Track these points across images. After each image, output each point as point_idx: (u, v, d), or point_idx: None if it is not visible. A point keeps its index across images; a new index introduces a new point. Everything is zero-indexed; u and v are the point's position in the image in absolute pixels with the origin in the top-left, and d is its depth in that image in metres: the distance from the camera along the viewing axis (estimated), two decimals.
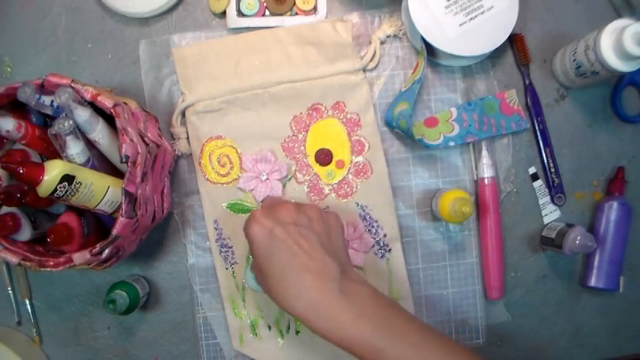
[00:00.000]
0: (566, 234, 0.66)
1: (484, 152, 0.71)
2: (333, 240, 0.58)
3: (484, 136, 0.71)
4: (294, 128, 0.70)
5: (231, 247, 0.70)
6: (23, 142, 0.59)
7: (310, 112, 0.70)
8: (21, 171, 0.54)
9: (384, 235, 0.70)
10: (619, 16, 0.72)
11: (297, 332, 0.71)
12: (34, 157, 0.63)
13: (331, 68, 0.69)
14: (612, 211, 0.70)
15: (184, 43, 0.71)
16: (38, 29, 0.72)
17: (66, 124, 0.56)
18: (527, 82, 0.72)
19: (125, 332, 0.72)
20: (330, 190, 0.70)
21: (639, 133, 0.73)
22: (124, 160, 0.56)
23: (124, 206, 0.56)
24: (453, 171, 0.72)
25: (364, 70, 0.70)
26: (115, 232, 0.56)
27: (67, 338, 0.72)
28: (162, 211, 0.66)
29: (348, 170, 0.70)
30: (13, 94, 0.58)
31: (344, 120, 0.70)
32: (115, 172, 0.62)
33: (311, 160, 0.70)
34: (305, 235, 0.55)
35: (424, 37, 0.66)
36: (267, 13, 0.71)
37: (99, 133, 0.59)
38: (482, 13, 0.65)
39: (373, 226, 0.70)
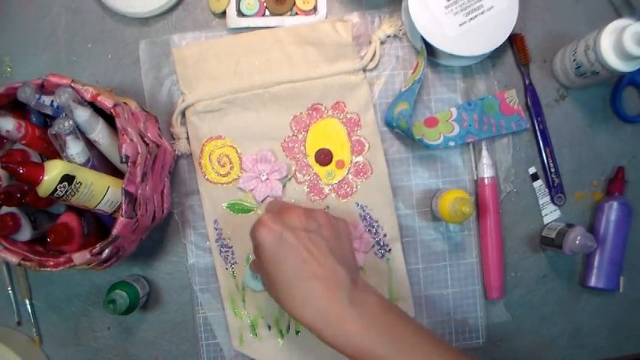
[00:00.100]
0: (566, 234, 0.66)
1: (484, 152, 0.71)
2: (342, 246, 0.57)
3: (484, 136, 0.71)
4: (294, 128, 0.70)
5: (231, 247, 0.70)
6: (23, 142, 0.59)
7: (310, 112, 0.70)
8: (21, 171, 0.54)
9: (384, 235, 0.70)
10: (619, 16, 0.72)
11: (297, 332, 0.71)
12: (34, 157, 0.63)
13: (331, 68, 0.69)
14: (612, 211, 0.70)
15: (184, 43, 0.71)
16: (38, 29, 0.72)
17: (66, 124, 0.56)
18: (527, 82, 0.72)
19: (125, 332, 0.72)
20: (330, 190, 0.70)
21: (639, 133, 0.73)
22: (124, 160, 0.56)
23: (124, 206, 0.56)
24: (453, 171, 0.72)
25: (364, 70, 0.70)
26: (115, 232, 0.56)
27: (67, 338, 0.72)
28: (163, 211, 0.66)
29: (348, 170, 0.70)
30: (13, 94, 0.58)
31: (344, 120, 0.70)
32: (115, 172, 0.62)
33: (311, 160, 0.70)
34: (315, 241, 0.54)
35: (424, 37, 0.66)
36: (267, 13, 0.71)
37: (99, 133, 0.59)
38: (482, 13, 0.65)
39: (373, 226, 0.70)
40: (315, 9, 0.70)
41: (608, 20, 0.63)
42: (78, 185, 0.56)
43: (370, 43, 0.71)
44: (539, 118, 0.72)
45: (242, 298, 0.71)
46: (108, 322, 0.72)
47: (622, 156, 0.73)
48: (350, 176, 0.70)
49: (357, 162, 0.70)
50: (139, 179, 0.58)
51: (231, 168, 0.70)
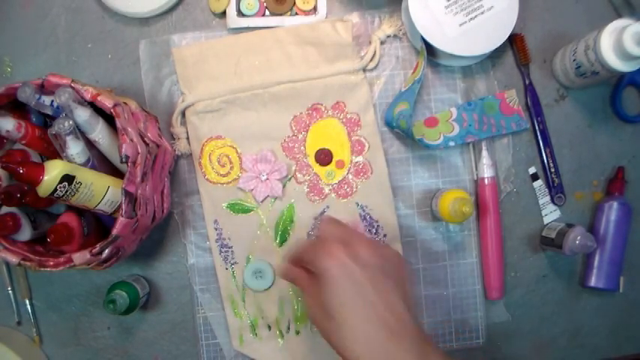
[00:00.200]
0: (566, 234, 0.66)
1: (484, 152, 0.71)
2: (408, 292, 0.53)
3: (484, 136, 0.71)
4: (294, 128, 0.70)
5: (231, 247, 0.70)
6: (23, 142, 0.59)
7: (310, 112, 0.70)
8: (21, 171, 0.54)
9: (384, 235, 0.70)
10: (619, 16, 0.72)
11: (297, 332, 0.71)
12: (34, 157, 0.63)
13: (331, 68, 0.69)
14: (612, 211, 0.70)
15: (184, 43, 0.71)
16: (38, 29, 0.72)
17: (66, 124, 0.56)
18: (527, 82, 0.72)
19: (125, 332, 0.72)
20: (330, 190, 0.70)
21: (639, 133, 0.73)
22: (124, 160, 0.56)
23: (124, 206, 0.56)
24: (453, 171, 0.72)
25: (364, 70, 0.70)
26: (115, 232, 0.56)
27: (67, 338, 0.72)
28: (163, 211, 0.66)
29: (348, 170, 0.70)
30: (13, 94, 0.58)
31: (344, 120, 0.70)
32: (115, 172, 0.62)
33: (311, 160, 0.70)
34: (385, 284, 0.51)
35: (424, 37, 0.66)
36: (267, 13, 0.71)
37: (99, 133, 0.59)
38: (482, 13, 0.65)
39: (373, 226, 0.70)
40: (315, 9, 0.70)
41: (608, 20, 0.63)
42: (78, 185, 0.56)
43: (370, 43, 0.71)
44: (539, 118, 0.72)
45: (242, 298, 0.71)
46: (108, 322, 0.72)
47: (622, 156, 0.73)
48: (350, 176, 0.70)
49: (357, 162, 0.70)
50: (139, 179, 0.58)
51: (231, 168, 0.70)
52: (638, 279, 0.73)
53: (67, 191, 0.56)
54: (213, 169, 0.70)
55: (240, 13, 0.70)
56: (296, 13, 0.71)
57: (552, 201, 0.72)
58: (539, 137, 0.72)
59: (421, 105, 0.72)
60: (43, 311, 0.72)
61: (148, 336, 0.72)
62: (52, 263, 0.58)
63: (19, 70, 0.72)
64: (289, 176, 0.70)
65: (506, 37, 0.66)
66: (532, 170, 0.73)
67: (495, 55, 0.71)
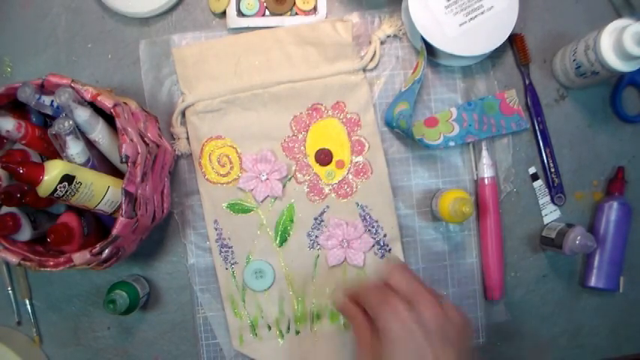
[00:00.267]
0: (566, 234, 0.66)
1: (484, 152, 0.71)
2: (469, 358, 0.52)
3: (484, 136, 0.71)
4: (294, 128, 0.70)
5: (231, 247, 0.70)
6: (23, 142, 0.59)
7: (310, 112, 0.70)
8: (21, 171, 0.54)
9: (384, 235, 0.70)
10: (619, 16, 0.72)
11: (297, 332, 0.71)
12: (34, 157, 0.63)
13: (331, 68, 0.69)
14: (612, 211, 0.70)
15: (184, 43, 0.71)
16: (38, 29, 0.72)
17: (66, 124, 0.56)
18: (527, 82, 0.72)
19: (125, 332, 0.72)
20: (330, 190, 0.70)
21: (639, 133, 0.73)
22: (124, 160, 0.56)
23: (124, 206, 0.56)
24: (453, 171, 0.72)
25: (364, 70, 0.70)
26: (115, 232, 0.56)
27: (67, 338, 0.72)
28: (163, 211, 0.66)
29: (348, 170, 0.70)
30: (13, 94, 0.58)
31: (344, 120, 0.70)
32: (115, 172, 0.62)
33: (311, 160, 0.70)
34: (446, 352, 0.49)
35: (424, 37, 0.66)
36: (267, 13, 0.71)
37: (99, 133, 0.59)
38: (482, 13, 0.65)
39: (373, 226, 0.70)
40: (315, 9, 0.70)
41: (608, 20, 0.63)
42: (78, 185, 0.56)
43: (370, 43, 0.71)
44: (539, 118, 0.72)
45: (242, 298, 0.71)
46: (108, 322, 0.72)
47: (622, 156, 0.73)
48: (350, 176, 0.70)
49: (357, 162, 0.70)
50: (139, 179, 0.58)
51: (231, 168, 0.70)
52: (638, 279, 0.73)
53: (67, 191, 0.56)
54: (213, 169, 0.70)
55: (240, 13, 0.70)
56: (296, 13, 0.71)
57: (552, 201, 0.72)
58: (539, 137, 0.72)
59: (421, 105, 0.72)
60: (43, 311, 0.72)
61: (147, 336, 0.72)
62: (52, 263, 0.58)
63: (19, 70, 0.72)
64: (289, 176, 0.70)
65: (506, 37, 0.66)
66: (532, 170, 0.73)
67: (495, 55, 0.71)
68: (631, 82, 0.72)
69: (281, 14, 0.70)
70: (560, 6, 0.72)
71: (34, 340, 0.72)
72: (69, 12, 0.72)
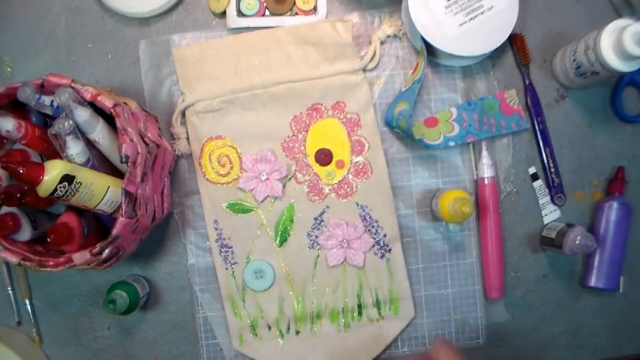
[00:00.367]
0: (566, 234, 0.66)
1: (484, 152, 0.71)
2: None
3: (484, 136, 0.71)
4: (294, 128, 0.70)
5: (231, 247, 0.70)
6: (23, 142, 0.59)
7: (310, 112, 0.70)
8: (21, 171, 0.54)
9: (384, 235, 0.70)
10: (619, 16, 0.72)
11: (297, 332, 0.71)
12: (34, 157, 0.63)
13: (331, 68, 0.69)
14: (612, 211, 0.70)
15: (184, 43, 0.71)
16: (38, 29, 0.72)
17: (66, 124, 0.56)
18: (527, 82, 0.72)
19: (125, 332, 0.72)
20: (330, 190, 0.70)
21: (639, 133, 0.73)
22: (124, 160, 0.56)
23: (124, 206, 0.56)
24: (453, 171, 0.72)
25: (364, 70, 0.70)
26: (115, 232, 0.56)
27: (67, 338, 0.72)
28: (163, 211, 0.66)
29: (348, 170, 0.70)
30: (13, 94, 0.58)
31: (344, 120, 0.70)
32: (115, 172, 0.62)
33: (311, 160, 0.70)
34: None
35: (424, 37, 0.66)
36: (267, 13, 0.71)
37: (99, 133, 0.59)
38: (482, 13, 0.65)
39: (373, 226, 0.70)
40: (315, 9, 0.70)
41: (608, 20, 0.63)
42: (78, 185, 0.56)
43: (370, 43, 0.71)
44: (539, 118, 0.72)
45: (242, 298, 0.71)
46: (108, 322, 0.72)
47: (622, 156, 0.73)
48: (350, 176, 0.70)
49: (357, 162, 0.70)
50: (139, 179, 0.58)
51: (231, 168, 0.70)
52: (638, 279, 0.73)
53: (67, 191, 0.56)
54: (213, 169, 0.70)
55: (240, 13, 0.70)
56: (296, 13, 0.71)
57: (552, 201, 0.72)
58: (539, 137, 0.72)
59: (421, 105, 0.72)
60: (43, 311, 0.72)
61: (148, 336, 0.72)
62: (52, 263, 0.58)
63: (19, 70, 0.72)
64: (289, 176, 0.70)
65: (506, 37, 0.66)
66: (532, 170, 0.73)
67: (495, 55, 0.71)
68: (631, 82, 0.72)
69: (281, 14, 0.70)
70: (560, 6, 0.72)
71: (34, 340, 0.72)
72: (69, 12, 0.72)
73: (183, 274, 0.72)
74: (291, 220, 0.70)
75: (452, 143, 0.70)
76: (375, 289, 0.71)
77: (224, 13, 0.71)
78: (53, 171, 0.55)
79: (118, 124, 0.57)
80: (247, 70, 0.69)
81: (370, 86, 0.71)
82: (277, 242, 0.70)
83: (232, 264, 0.71)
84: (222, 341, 0.72)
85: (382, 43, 0.71)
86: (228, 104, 0.69)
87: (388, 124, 0.71)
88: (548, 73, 0.73)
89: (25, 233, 0.61)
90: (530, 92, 0.72)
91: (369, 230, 0.70)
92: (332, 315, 0.71)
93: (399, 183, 0.72)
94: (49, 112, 0.59)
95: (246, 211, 0.70)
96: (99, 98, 0.57)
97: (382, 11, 0.72)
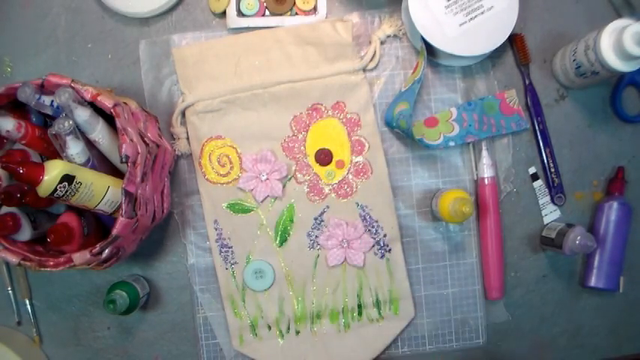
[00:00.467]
0: (566, 234, 0.66)
1: (484, 152, 0.71)
2: None
3: (484, 136, 0.71)
4: (294, 128, 0.70)
5: (231, 247, 0.70)
6: (23, 142, 0.59)
7: (310, 112, 0.70)
8: (21, 171, 0.54)
9: (384, 235, 0.70)
10: (619, 16, 0.72)
11: (297, 332, 0.71)
12: (34, 157, 0.63)
13: (331, 68, 0.69)
14: (612, 211, 0.70)
15: (184, 43, 0.71)
16: (38, 29, 0.72)
17: (66, 124, 0.56)
18: (527, 82, 0.72)
19: (125, 332, 0.72)
20: (330, 190, 0.70)
21: (639, 133, 0.73)
22: (124, 160, 0.56)
23: (124, 206, 0.56)
24: (453, 171, 0.72)
25: (364, 70, 0.70)
26: (115, 232, 0.56)
27: (67, 338, 0.72)
28: (163, 211, 0.66)
29: (348, 170, 0.70)
30: (13, 94, 0.58)
31: (344, 120, 0.70)
32: (115, 172, 0.62)
33: (311, 160, 0.70)
34: None
35: (424, 37, 0.66)
36: (267, 13, 0.71)
37: (99, 133, 0.59)
38: (482, 13, 0.65)
39: (373, 226, 0.70)
40: (315, 9, 0.70)
41: (608, 20, 0.63)
42: (78, 185, 0.56)
43: (370, 43, 0.71)
44: (539, 118, 0.72)
45: (242, 298, 0.71)
46: (108, 322, 0.72)
47: (622, 156, 0.73)
48: (350, 176, 0.70)
49: (357, 162, 0.70)
50: (139, 179, 0.58)
51: (231, 168, 0.70)
52: (638, 279, 0.73)
53: (67, 191, 0.56)
54: (213, 169, 0.70)
55: (240, 13, 0.70)
56: (296, 13, 0.71)
57: (552, 201, 0.72)
58: (539, 137, 0.72)
59: (421, 105, 0.72)
60: (43, 311, 0.72)
61: (148, 336, 0.72)
62: (52, 263, 0.58)
63: (19, 70, 0.72)
64: (289, 176, 0.70)
65: (506, 37, 0.66)
66: (532, 170, 0.73)
67: (495, 55, 0.71)
68: (631, 82, 0.72)
69: (281, 14, 0.70)
70: (560, 6, 0.72)
71: (34, 340, 0.72)
72: (69, 12, 0.72)
73: (183, 274, 0.72)
74: (291, 220, 0.70)
75: (452, 143, 0.70)
76: (375, 289, 0.71)
77: (224, 13, 0.71)
78: (53, 171, 0.55)
79: (118, 124, 0.57)
80: (247, 70, 0.69)
81: (370, 86, 0.71)
82: (277, 242, 0.70)
83: (232, 264, 0.71)
84: (222, 341, 0.72)
85: (382, 43, 0.71)
86: (228, 104, 0.69)
87: (388, 124, 0.71)
88: (548, 73, 0.73)
89: (25, 233, 0.61)
90: (530, 92, 0.72)
91: (369, 230, 0.70)
92: (332, 315, 0.71)
93: (399, 183, 0.72)
94: (49, 112, 0.59)
95: (246, 211, 0.70)
96: (99, 98, 0.57)
97: (382, 11, 0.72)
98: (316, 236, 0.70)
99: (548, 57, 0.73)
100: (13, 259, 0.58)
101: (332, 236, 0.70)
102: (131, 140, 0.57)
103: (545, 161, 0.72)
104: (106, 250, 0.57)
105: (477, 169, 0.72)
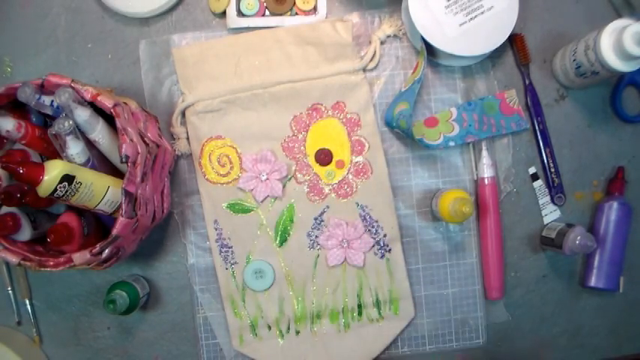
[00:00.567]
0: (566, 234, 0.66)
1: (484, 152, 0.71)
2: None
3: (484, 136, 0.71)
4: (294, 128, 0.70)
5: (231, 247, 0.70)
6: (23, 142, 0.59)
7: (310, 112, 0.70)
8: (21, 171, 0.54)
9: (384, 235, 0.70)
10: (619, 16, 0.72)
11: (297, 332, 0.71)
12: (34, 157, 0.63)
13: (331, 68, 0.69)
14: (612, 211, 0.70)
15: (184, 43, 0.71)
16: (38, 29, 0.72)
17: (66, 124, 0.56)
18: (527, 82, 0.72)
19: (125, 332, 0.72)
20: (330, 190, 0.70)
21: (639, 133, 0.73)
22: (124, 160, 0.56)
23: (124, 206, 0.56)
24: (453, 171, 0.72)
25: (364, 70, 0.70)
26: (115, 232, 0.56)
27: (67, 338, 0.72)
28: (163, 211, 0.66)
29: (348, 170, 0.70)
30: (13, 94, 0.58)
31: (344, 120, 0.70)
32: (115, 172, 0.62)
33: (311, 160, 0.70)
34: None
35: (424, 37, 0.66)
36: (267, 13, 0.71)
37: (99, 133, 0.59)
38: (482, 13, 0.65)
39: (373, 226, 0.70)
40: (315, 9, 0.70)
41: (608, 20, 0.63)
42: (78, 185, 0.56)
43: (370, 43, 0.71)
44: (539, 118, 0.72)
45: (242, 298, 0.71)
46: (108, 322, 0.72)
47: (622, 156, 0.73)
48: (350, 176, 0.70)
49: (357, 162, 0.70)
50: (139, 179, 0.58)
51: (231, 168, 0.70)
52: (638, 279, 0.73)
53: (67, 191, 0.56)
54: (213, 169, 0.70)
55: (240, 13, 0.70)
56: (296, 13, 0.71)
57: (552, 201, 0.72)
58: (539, 137, 0.72)
59: (421, 105, 0.72)
60: (43, 311, 0.72)
61: (148, 336, 0.72)
62: (52, 263, 0.58)
63: (19, 70, 0.72)
64: (289, 176, 0.70)
65: (506, 37, 0.66)
66: (532, 170, 0.73)
67: (495, 55, 0.71)
68: (631, 82, 0.72)
69: (281, 14, 0.70)
70: (560, 6, 0.72)
71: (34, 340, 0.72)
72: (69, 12, 0.72)
73: (183, 274, 0.72)
74: (291, 220, 0.70)
75: (452, 143, 0.70)
76: (375, 289, 0.71)
77: (224, 13, 0.71)
78: (53, 171, 0.55)
79: (118, 124, 0.57)
80: (247, 70, 0.69)
81: (370, 86, 0.71)
82: (277, 242, 0.70)
83: (232, 264, 0.71)
84: (222, 341, 0.72)
85: (382, 43, 0.71)
86: (228, 104, 0.69)
87: (388, 124, 0.71)
88: (548, 73, 0.73)
89: (25, 233, 0.61)
90: (530, 92, 0.72)
91: (369, 230, 0.70)
92: (332, 315, 0.71)
93: (399, 183, 0.72)
94: (49, 112, 0.59)
95: (246, 211, 0.70)
96: (99, 98, 0.57)
97: (382, 11, 0.72)
98: (316, 236, 0.70)
99: (548, 57, 0.73)
100: (13, 259, 0.58)
101: (332, 236, 0.70)
102: (131, 140, 0.57)
103: (545, 161, 0.72)
104: (106, 250, 0.57)
105: (477, 169, 0.72)
